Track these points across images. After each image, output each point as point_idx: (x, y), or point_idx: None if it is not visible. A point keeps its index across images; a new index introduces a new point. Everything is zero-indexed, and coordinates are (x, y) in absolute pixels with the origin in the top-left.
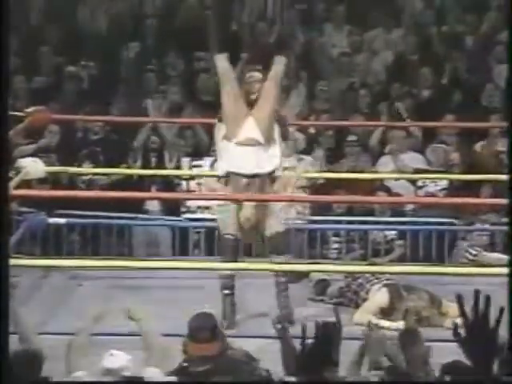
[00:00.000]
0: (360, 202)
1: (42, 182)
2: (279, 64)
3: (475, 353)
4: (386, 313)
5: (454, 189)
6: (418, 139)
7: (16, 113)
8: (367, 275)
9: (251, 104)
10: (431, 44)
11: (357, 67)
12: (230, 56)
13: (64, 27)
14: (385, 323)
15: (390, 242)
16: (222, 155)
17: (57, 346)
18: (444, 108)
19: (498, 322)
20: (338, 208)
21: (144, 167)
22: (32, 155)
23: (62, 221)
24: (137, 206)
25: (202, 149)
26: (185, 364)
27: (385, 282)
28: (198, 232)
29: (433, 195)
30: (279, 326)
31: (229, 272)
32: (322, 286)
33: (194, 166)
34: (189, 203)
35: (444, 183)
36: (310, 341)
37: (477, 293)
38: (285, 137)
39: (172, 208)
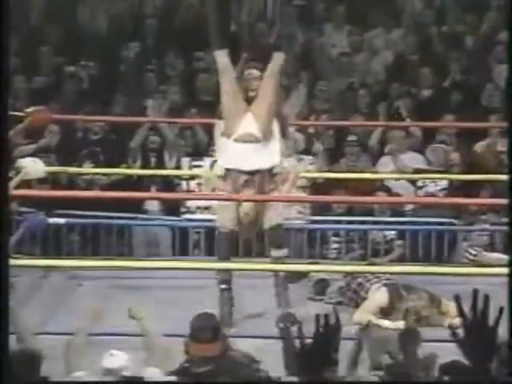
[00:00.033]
0: (360, 202)
1: (41, 182)
2: (278, 60)
3: (474, 353)
4: (385, 312)
5: (454, 189)
6: (418, 139)
7: (16, 113)
8: (367, 274)
9: (250, 101)
10: (431, 44)
11: (356, 67)
12: (229, 54)
13: (64, 27)
14: (384, 323)
15: (390, 242)
16: (221, 152)
17: (57, 346)
18: (444, 108)
19: (496, 321)
20: (338, 208)
21: (144, 167)
22: (32, 155)
23: (62, 221)
24: (137, 206)
25: (202, 149)
26: (186, 364)
27: (384, 281)
28: (198, 232)
29: (433, 195)
30: (282, 326)
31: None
32: (321, 286)
33: (194, 166)
34: (188, 203)
35: (444, 183)
36: (309, 340)
37: (475, 292)
38: (285, 135)
39: (172, 208)
